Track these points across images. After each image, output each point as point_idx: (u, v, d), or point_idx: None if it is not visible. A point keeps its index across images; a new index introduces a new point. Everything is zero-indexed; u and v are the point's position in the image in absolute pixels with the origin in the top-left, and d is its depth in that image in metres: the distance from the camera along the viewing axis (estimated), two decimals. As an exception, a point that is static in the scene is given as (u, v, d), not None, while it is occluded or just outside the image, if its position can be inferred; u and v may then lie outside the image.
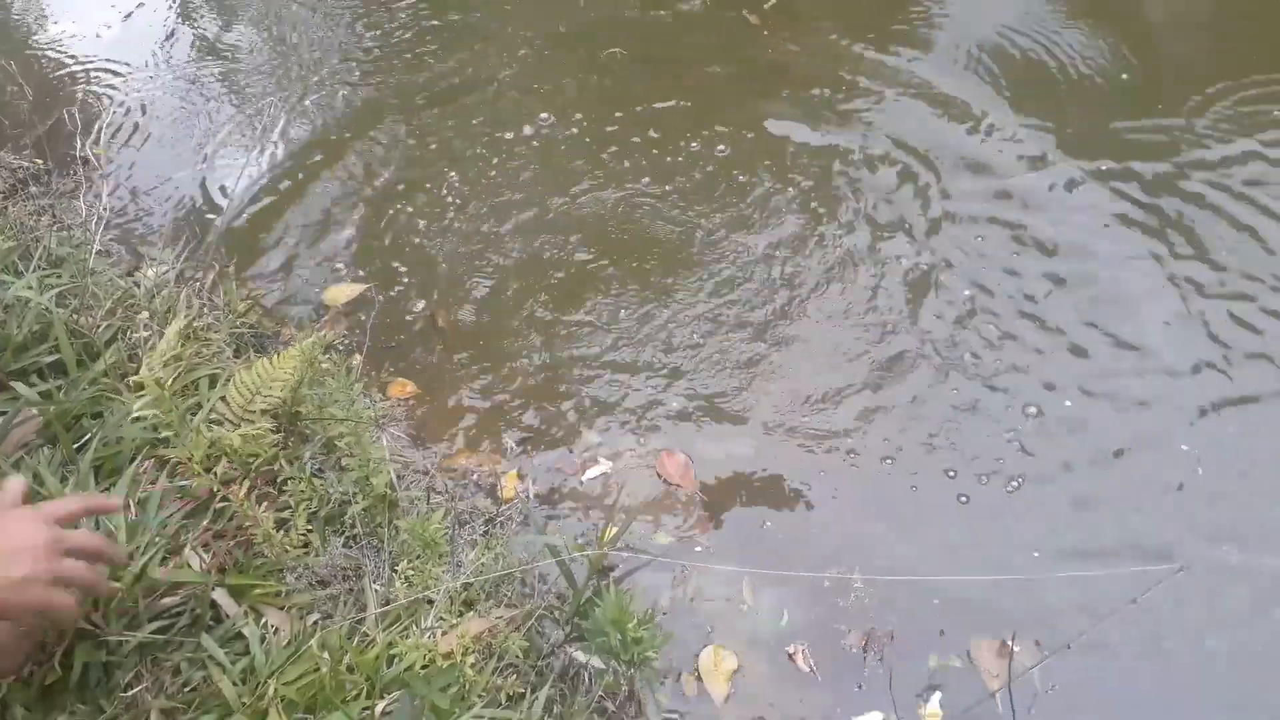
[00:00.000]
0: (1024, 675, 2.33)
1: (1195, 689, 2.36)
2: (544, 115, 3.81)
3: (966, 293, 3.20)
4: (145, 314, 2.29)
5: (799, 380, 2.99)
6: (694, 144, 3.72)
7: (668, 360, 3.05)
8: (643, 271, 3.30)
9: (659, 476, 2.78)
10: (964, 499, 2.70)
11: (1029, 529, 2.64)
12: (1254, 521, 2.63)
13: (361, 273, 3.25)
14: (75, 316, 2.51)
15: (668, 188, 3.57)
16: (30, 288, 2.48)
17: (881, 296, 3.21)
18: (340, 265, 3.29)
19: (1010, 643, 2.38)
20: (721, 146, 3.71)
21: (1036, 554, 2.57)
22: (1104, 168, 3.58)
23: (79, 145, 3.42)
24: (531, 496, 2.69)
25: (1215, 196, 3.46)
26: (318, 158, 3.65)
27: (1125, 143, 3.68)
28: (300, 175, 3.58)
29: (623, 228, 3.44)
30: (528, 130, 3.78)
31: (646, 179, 3.60)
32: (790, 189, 3.55)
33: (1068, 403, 2.91)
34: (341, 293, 3.17)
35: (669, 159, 3.66)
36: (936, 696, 2.34)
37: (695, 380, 3.00)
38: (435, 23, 4.33)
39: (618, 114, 3.84)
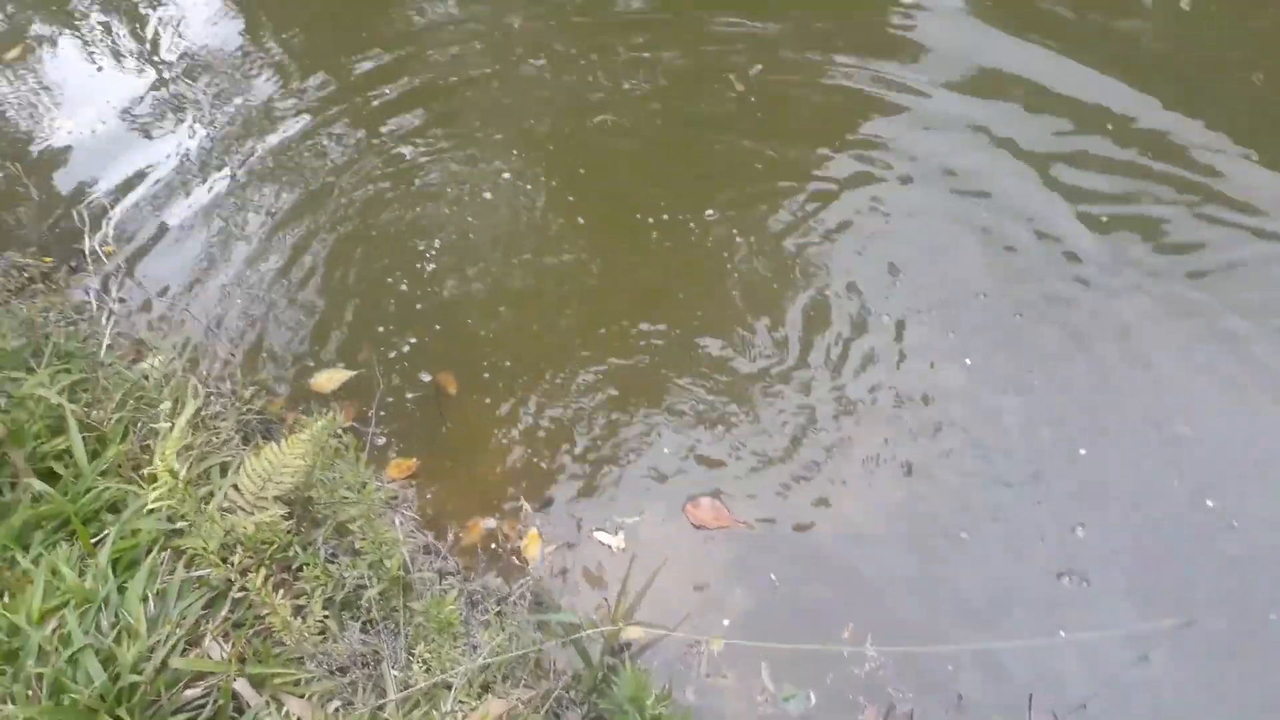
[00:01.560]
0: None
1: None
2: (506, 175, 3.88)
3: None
4: (165, 405, 2.33)
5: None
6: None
7: (687, 416, 3.08)
8: (653, 329, 3.34)
9: (694, 526, 2.81)
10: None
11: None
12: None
13: (346, 359, 3.26)
14: (88, 410, 2.54)
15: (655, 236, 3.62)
16: (43, 384, 2.52)
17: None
18: (329, 347, 3.30)
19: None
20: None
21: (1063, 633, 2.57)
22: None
23: (86, 242, 3.46)
24: (546, 569, 2.69)
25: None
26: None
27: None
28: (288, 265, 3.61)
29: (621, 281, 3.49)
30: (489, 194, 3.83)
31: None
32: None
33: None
34: (329, 379, 3.19)
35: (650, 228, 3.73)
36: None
37: (712, 438, 3.03)
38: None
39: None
